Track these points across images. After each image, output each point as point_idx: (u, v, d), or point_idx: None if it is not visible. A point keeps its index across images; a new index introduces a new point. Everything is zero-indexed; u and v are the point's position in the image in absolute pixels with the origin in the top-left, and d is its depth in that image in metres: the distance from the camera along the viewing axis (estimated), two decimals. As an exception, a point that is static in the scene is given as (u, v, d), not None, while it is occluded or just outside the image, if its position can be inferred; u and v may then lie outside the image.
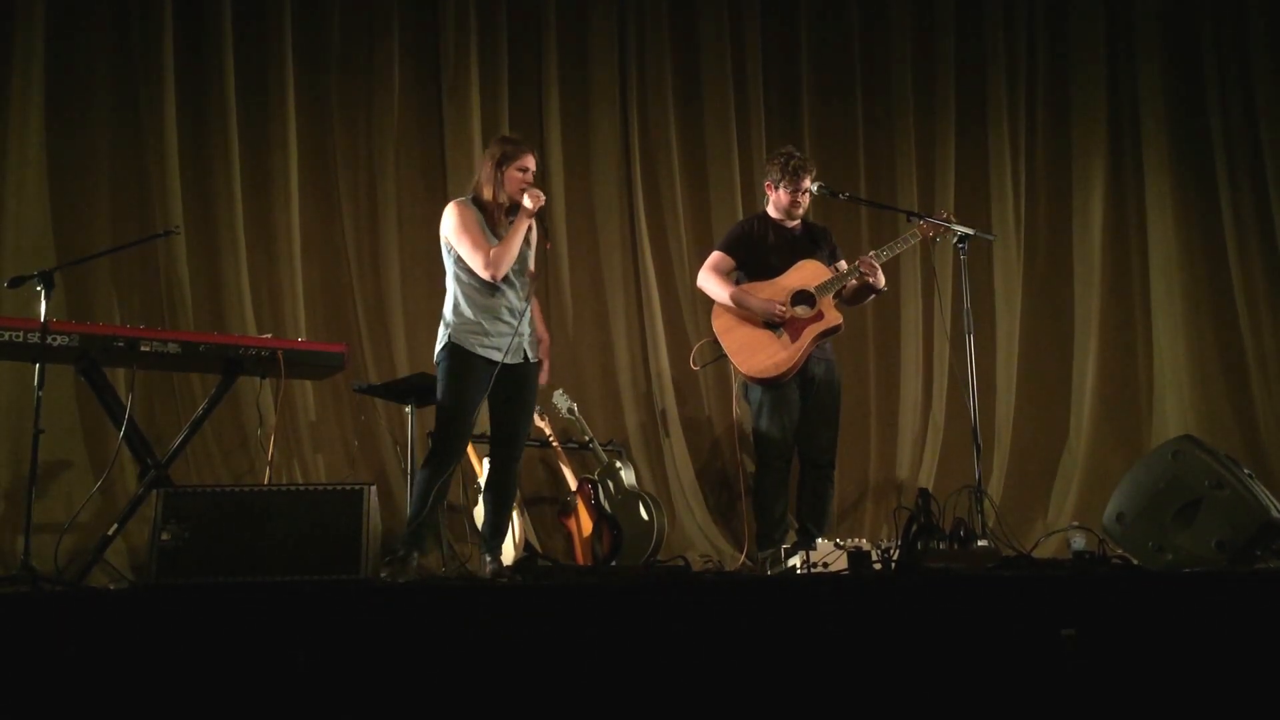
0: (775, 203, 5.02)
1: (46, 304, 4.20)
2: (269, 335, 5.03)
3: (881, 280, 4.87)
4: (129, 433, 4.59)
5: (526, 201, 4.30)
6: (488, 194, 4.36)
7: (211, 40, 5.74)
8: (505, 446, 4.43)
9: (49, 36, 5.51)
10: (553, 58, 6.27)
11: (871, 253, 4.87)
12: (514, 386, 4.31)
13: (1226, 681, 3.04)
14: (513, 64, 6.24)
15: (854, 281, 4.85)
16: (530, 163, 4.40)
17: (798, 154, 5.02)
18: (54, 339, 4.34)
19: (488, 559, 4.38)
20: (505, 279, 4.33)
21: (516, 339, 4.32)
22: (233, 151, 5.70)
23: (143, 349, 4.56)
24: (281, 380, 4.81)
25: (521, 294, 4.40)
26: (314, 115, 5.95)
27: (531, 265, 4.48)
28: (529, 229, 4.38)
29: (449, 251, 4.36)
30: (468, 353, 4.26)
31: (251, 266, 5.69)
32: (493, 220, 4.35)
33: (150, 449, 4.69)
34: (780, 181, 4.97)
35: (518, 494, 5.60)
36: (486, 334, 4.29)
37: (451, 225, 4.32)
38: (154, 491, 3.84)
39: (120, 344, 4.53)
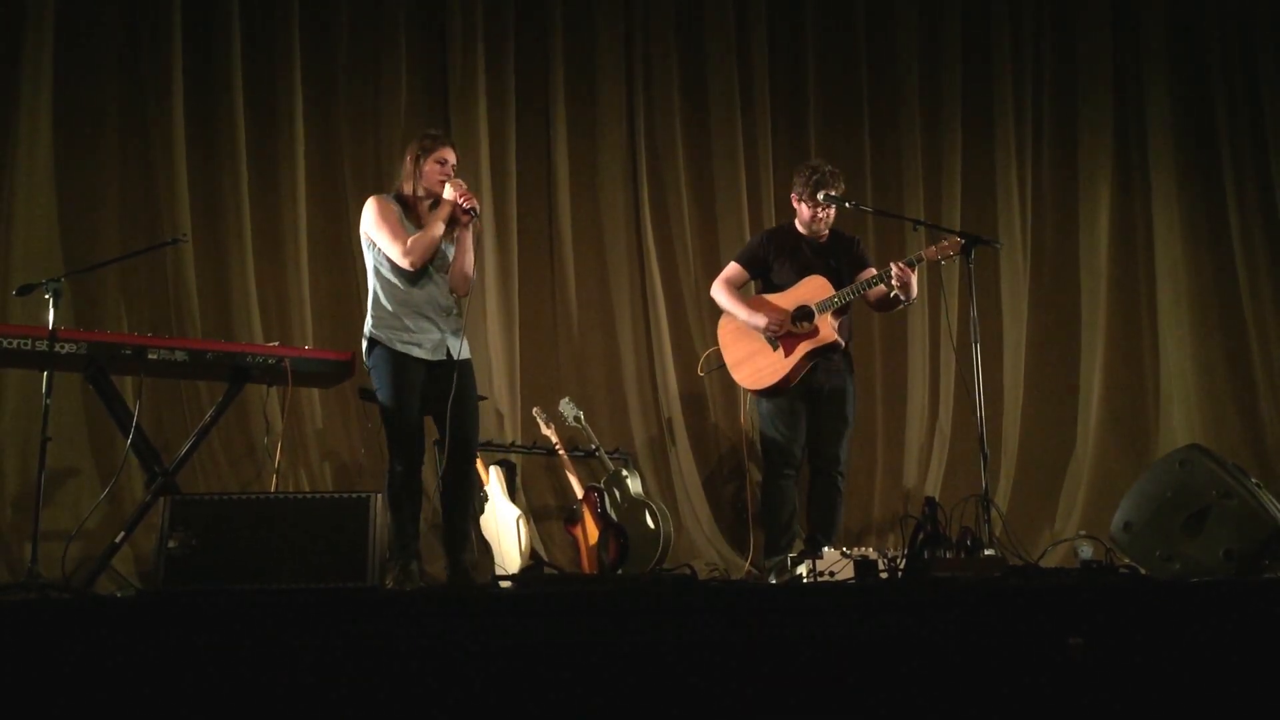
0: (799, 215, 5.03)
1: (55, 312, 4.21)
2: (276, 343, 5.04)
3: (914, 290, 4.81)
4: (136, 440, 4.60)
5: (447, 191, 4.33)
6: (407, 188, 4.40)
7: (220, 50, 5.76)
8: (457, 449, 4.32)
9: (58, 45, 5.53)
10: (560, 70, 6.28)
11: (904, 260, 4.76)
12: (448, 385, 4.25)
13: (1234, 691, 3.03)
14: (520, 75, 6.25)
15: (882, 287, 4.78)
16: (449, 155, 4.42)
17: (826, 167, 4.95)
18: (62, 347, 4.35)
19: (447, 563, 4.35)
20: (427, 274, 4.33)
21: (439, 334, 4.31)
22: (240, 160, 5.72)
23: (150, 357, 4.57)
24: (288, 388, 4.82)
25: (445, 289, 4.39)
26: (321, 125, 5.97)
27: (464, 266, 4.44)
28: (456, 226, 4.37)
29: (369, 246, 4.36)
30: (392, 351, 4.25)
31: (259, 275, 5.71)
32: (414, 214, 4.38)
33: (157, 457, 4.69)
34: (802, 195, 4.96)
35: (524, 501, 5.62)
36: (407, 329, 4.28)
37: (370, 218, 4.34)
38: (161, 499, 3.86)
39: (128, 352, 4.54)
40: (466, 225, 4.40)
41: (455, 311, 4.41)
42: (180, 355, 4.61)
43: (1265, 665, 3.05)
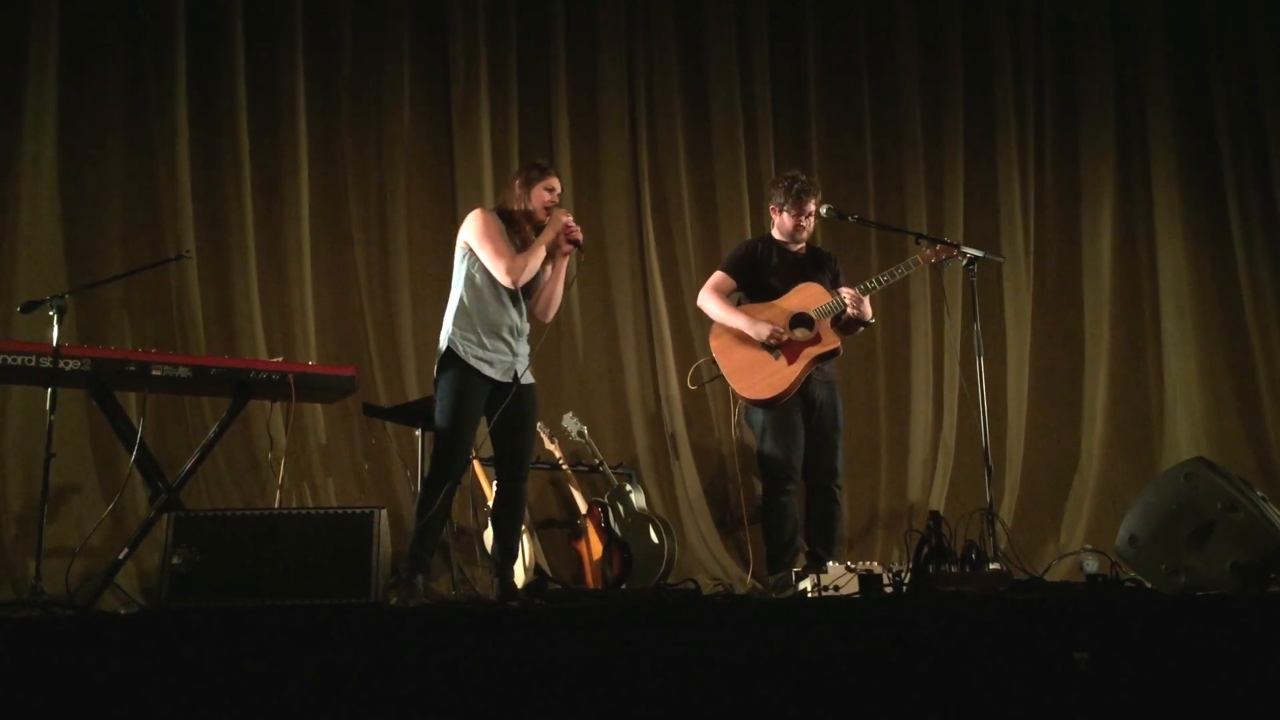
0: (779, 226, 5.01)
1: (59, 328, 4.22)
2: (280, 359, 5.04)
3: (868, 313, 4.84)
4: (140, 457, 4.59)
5: (556, 217, 4.33)
6: (514, 205, 4.39)
7: (223, 66, 5.78)
8: (509, 468, 4.42)
9: (62, 62, 5.55)
10: (562, 82, 6.30)
11: (860, 284, 4.84)
12: (512, 406, 4.29)
13: (1241, 705, 3.02)
14: (522, 88, 6.27)
15: (847, 312, 4.81)
16: (557, 184, 4.45)
17: (803, 177, 4.99)
18: (66, 363, 4.35)
19: (497, 582, 4.38)
20: (516, 296, 4.34)
21: (511, 358, 4.32)
22: (244, 176, 5.73)
23: (154, 373, 4.57)
24: (292, 403, 4.81)
25: (525, 314, 4.41)
26: (325, 140, 5.98)
27: (553, 295, 4.47)
28: (556, 253, 4.40)
29: (465, 256, 4.34)
30: (466, 366, 4.25)
31: (262, 290, 5.72)
32: (517, 234, 4.38)
33: (161, 473, 4.69)
34: (784, 206, 4.96)
35: (527, 516, 5.61)
36: (483, 346, 4.28)
37: (475, 229, 4.31)
38: (165, 515, 3.85)
39: (132, 368, 4.54)
40: (565, 255, 4.42)
41: (527, 336, 4.42)
42: (184, 371, 4.61)
43: (1272, 679, 3.04)
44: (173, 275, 5.49)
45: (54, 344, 4.22)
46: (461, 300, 4.32)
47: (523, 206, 4.38)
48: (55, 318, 4.22)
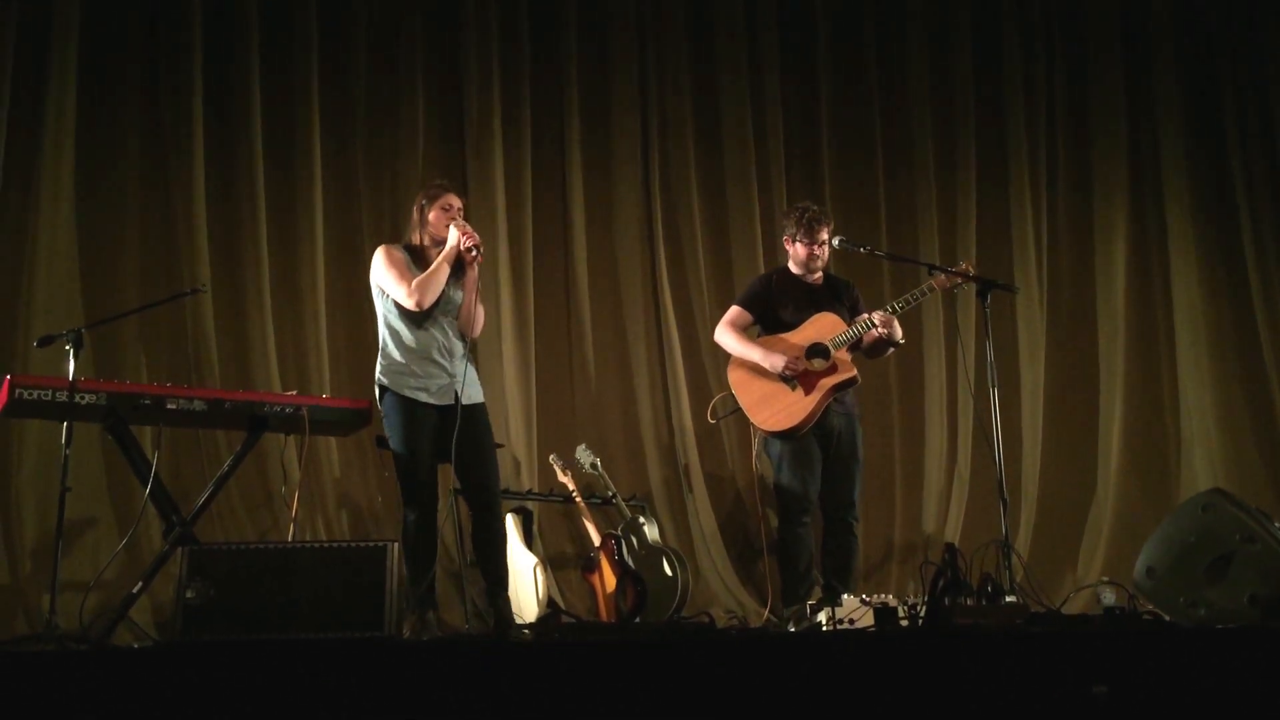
0: (794, 257, 5.05)
1: (75, 363, 4.25)
2: (294, 392, 5.06)
3: (899, 333, 4.88)
4: (155, 490, 4.60)
5: (451, 233, 4.38)
6: (415, 238, 4.48)
7: (239, 101, 5.83)
8: (480, 499, 4.40)
9: (80, 97, 5.60)
10: (575, 116, 6.33)
11: (887, 306, 4.87)
12: (465, 430, 4.29)
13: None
14: (535, 122, 6.30)
15: (875, 333, 4.83)
16: (454, 200, 4.52)
17: (814, 207, 5.05)
18: (82, 397, 4.37)
19: (492, 612, 4.35)
20: (433, 319, 4.36)
21: (447, 379, 4.34)
22: (259, 210, 5.77)
23: (169, 407, 4.59)
24: (306, 437, 4.83)
25: (452, 334, 4.42)
26: (339, 174, 6.02)
27: (470, 307, 4.45)
28: (464, 271, 4.42)
29: (379, 294, 4.45)
30: (402, 398, 4.30)
31: (277, 324, 5.74)
32: (423, 262, 4.43)
33: (175, 506, 4.69)
34: (797, 236, 5.00)
35: (540, 550, 5.60)
36: (414, 374, 4.33)
37: (376, 265, 4.44)
38: (179, 549, 3.85)
39: (147, 402, 4.56)
40: (471, 264, 4.43)
41: (464, 355, 4.43)
42: (199, 405, 4.63)
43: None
44: (188, 309, 5.52)
45: (70, 378, 4.24)
46: (384, 339, 4.43)
47: (420, 236, 4.47)
48: (71, 352, 4.25)
